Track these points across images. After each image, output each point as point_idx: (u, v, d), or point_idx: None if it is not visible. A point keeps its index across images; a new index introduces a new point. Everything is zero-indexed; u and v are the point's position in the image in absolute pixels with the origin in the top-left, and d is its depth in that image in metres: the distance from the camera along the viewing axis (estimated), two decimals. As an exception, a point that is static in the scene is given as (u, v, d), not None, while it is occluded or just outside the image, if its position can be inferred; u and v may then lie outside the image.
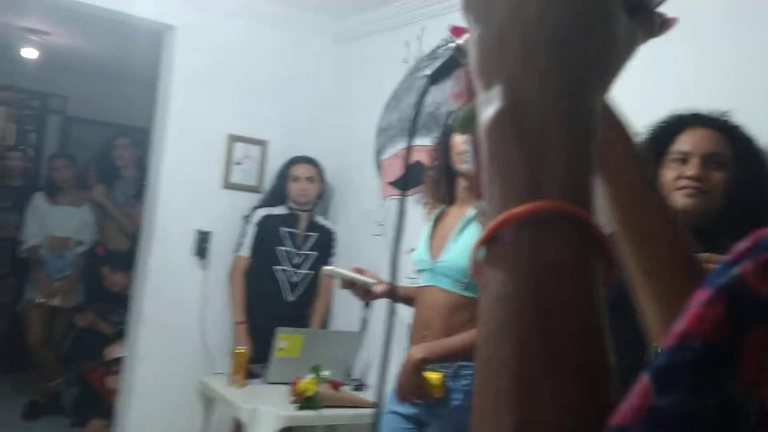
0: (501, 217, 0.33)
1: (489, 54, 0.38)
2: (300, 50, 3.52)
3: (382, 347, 0.49)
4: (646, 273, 0.63)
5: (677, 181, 1.59)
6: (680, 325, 0.30)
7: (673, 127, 1.63)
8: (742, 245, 0.31)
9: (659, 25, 0.46)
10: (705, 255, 1.35)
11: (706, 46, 1.93)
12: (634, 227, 0.62)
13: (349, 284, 2.02)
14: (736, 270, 0.29)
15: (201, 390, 3.00)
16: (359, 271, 2.04)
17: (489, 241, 0.34)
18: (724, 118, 1.61)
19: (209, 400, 2.97)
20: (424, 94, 0.50)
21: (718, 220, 1.56)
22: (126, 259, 4.05)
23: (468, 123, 0.44)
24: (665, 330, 0.60)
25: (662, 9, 0.48)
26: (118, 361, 3.55)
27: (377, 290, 2.01)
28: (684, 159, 1.60)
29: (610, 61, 0.38)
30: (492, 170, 0.36)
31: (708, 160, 1.57)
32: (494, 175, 0.35)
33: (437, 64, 0.49)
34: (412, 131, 0.52)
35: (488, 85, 0.37)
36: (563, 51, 0.36)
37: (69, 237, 4.46)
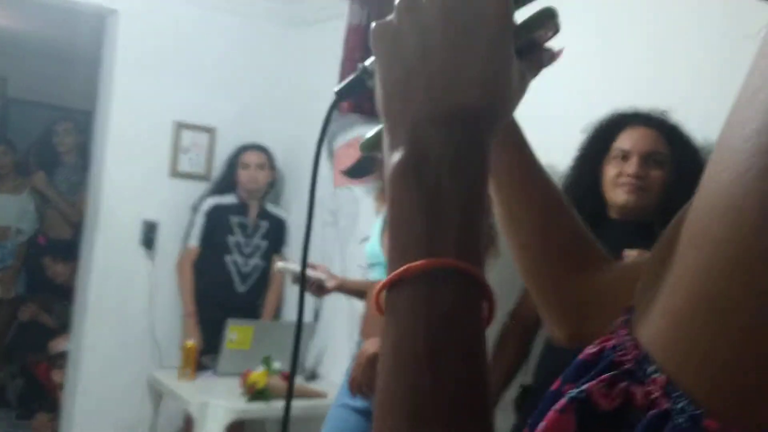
0: (401, 269, 0.37)
1: (395, 97, 0.40)
2: (250, 35, 3.44)
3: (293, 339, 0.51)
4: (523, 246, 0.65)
5: (618, 178, 1.68)
6: (541, 426, 0.34)
7: (614, 125, 1.70)
8: (590, 349, 0.36)
9: (547, 59, 0.49)
10: (630, 252, 1.42)
11: (650, 45, 1.96)
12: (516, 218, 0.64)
13: (299, 279, 2.00)
14: (585, 385, 0.34)
15: (150, 384, 2.95)
16: (311, 266, 2.03)
17: (390, 288, 0.37)
18: (663, 118, 1.69)
19: (158, 394, 2.93)
20: (331, 110, 0.50)
21: (656, 215, 1.65)
22: (69, 249, 3.94)
23: (372, 146, 0.48)
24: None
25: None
26: (63, 355, 3.46)
27: (329, 286, 2.01)
28: (624, 156, 1.68)
29: (505, 109, 0.42)
30: (394, 215, 0.39)
31: (647, 159, 1.65)
32: (396, 221, 0.39)
33: (345, 81, 0.49)
34: (320, 146, 0.52)
35: (393, 129, 0.40)
36: (465, 103, 0.39)
37: (8, 226, 4.31)
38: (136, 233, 3.22)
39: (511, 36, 0.42)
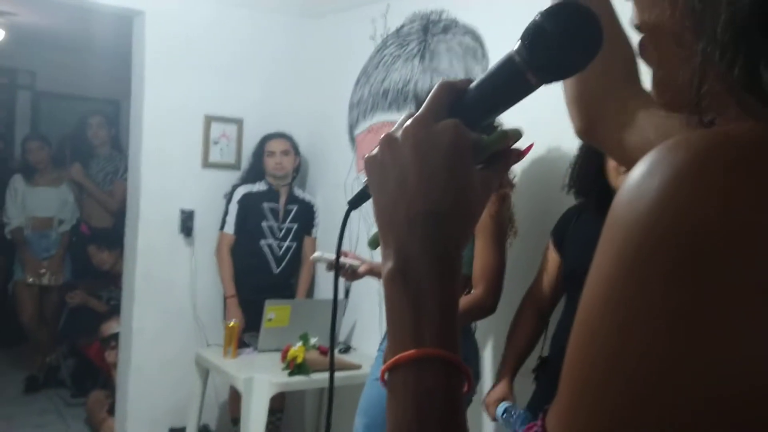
0: (394, 358, 0.48)
1: (383, 218, 0.52)
2: (268, 28, 3.59)
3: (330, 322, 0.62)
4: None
5: (620, 167, 1.78)
6: None
7: None
8: (534, 429, 0.44)
9: (514, 159, 0.57)
10: None
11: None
12: None
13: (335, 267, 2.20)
14: None
15: (197, 361, 3.19)
16: (343, 254, 2.22)
17: (389, 371, 0.49)
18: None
19: (205, 371, 3.17)
20: (346, 218, 0.59)
21: None
22: (111, 237, 4.19)
23: (376, 242, 0.55)
24: None
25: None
26: (114, 337, 3.72)
27: (361, 271, 2.21)
28: None
29: (470, 211, 0.52)
30: (388, 310, 0.50)
31: None
32: (391, 316, 0.50)
33: (357, 191, 0.59)
34: (339, 243, 0.63)
35: (385, 242, 0.52)
36: (435, 222, 0.50)
37: (51, 217, 4.57)
38: (175, 222, 3.44)
39: (465, 156, 0.51)
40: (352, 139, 3.41)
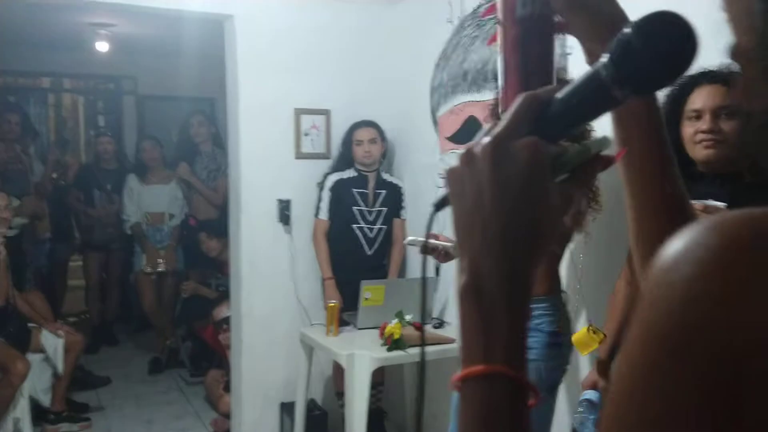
0: (465, 371, 0.51)
1: (461, 232, 0.53)
2: (346, 19, 3.71)
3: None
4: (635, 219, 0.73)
5: (695, 136, 1.80)
6: None
7: (685, 87, 1.81)
8: None
9: (602, 167, 0.55)
10: (699, 203, 1.55)
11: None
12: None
13: (429, 250, 2.31)
14: None
15: (302, 340, 3.42)
16: (435, 236, 2.33)
17: (461, 381, 0.51)
18: (728, 71, 1.73)
19: (310, 349, 3.39)
20: (431, 220, 0.62)
21: (743, 164, 1.71)
22: (217, 227, 4.51)
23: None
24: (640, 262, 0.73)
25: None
26: (226, 320, 4.02)
27: (454, 252, 2.31)
28: (698, 116, 1.80)
29: (545, 236, 0.52)
30: (462, 325, 0.52)
31: (718, 113, 1.77)
32: (463, 330, 0.52)
33: (441, 195, 0.58)
34: (424, 252, 0.66)
35: (462, 255, 0.53)
36: (509, 241, 0.51)
37: (163, 212, 4.98)
38: (273, 211, 3.67)
39: (543, 174, 0.51)
40: (435, 121, 3.51)
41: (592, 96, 0.52)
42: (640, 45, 0.48)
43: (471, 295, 0.52)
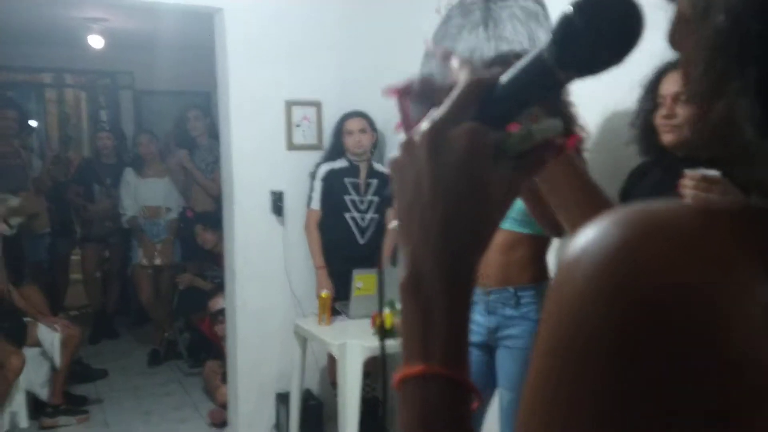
0: (404, 372, 0.49)
1: (401, 225, 0.51)
2: (334, 11, 3.70)
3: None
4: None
5: (659, 122, 1.82)
6: None
7: (656, 76, 1.83)
8: None
9: (549, 155, 0.52)
10: (695, 173, 1.54)
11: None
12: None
13: None
14: None
15: (295, 330, 3.43)
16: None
17: (400, 382, 0.50)
18: None
19: (303, 340, 3.41)
20: (383, 223, 0.65)
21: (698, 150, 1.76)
22: (213, 219, 4.53)
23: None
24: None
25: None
26: (221, 312, 4.05)
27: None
28: (663, 102, 1.81)
29: (487, 225, 0.50)
30: (402, 320, 0.51)
31: (677, 98, 1.77)
32: (403, 326, 0.51)
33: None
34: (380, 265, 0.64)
35: (404, 248, 0.51)
36: (448, 232, 0.49)
37: (160, 206, 5.01)
38: (266, 203, 3.68)
39: (483, 161, 0.49)
40: (425, 111, 3.50)
41: (537, 79, 0.50)
42: (582, 25, 0.46)
43: (410, 290, 0.49)
